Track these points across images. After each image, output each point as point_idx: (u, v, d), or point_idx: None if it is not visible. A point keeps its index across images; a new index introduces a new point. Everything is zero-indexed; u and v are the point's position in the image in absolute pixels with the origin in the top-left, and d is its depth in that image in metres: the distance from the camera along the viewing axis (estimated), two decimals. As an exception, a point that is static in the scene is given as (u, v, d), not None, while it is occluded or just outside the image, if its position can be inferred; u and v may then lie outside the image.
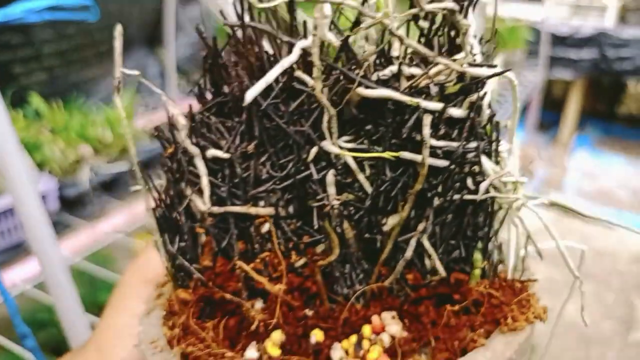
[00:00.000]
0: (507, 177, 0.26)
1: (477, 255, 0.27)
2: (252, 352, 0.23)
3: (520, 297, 0.27)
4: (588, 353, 1.88)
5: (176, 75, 2.36)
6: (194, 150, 0.26)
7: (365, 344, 0.23)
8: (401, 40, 0.23)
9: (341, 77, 0.24)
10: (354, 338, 0.24)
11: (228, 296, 0.24)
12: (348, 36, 0.23)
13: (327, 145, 0.24)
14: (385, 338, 0.23)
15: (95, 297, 1.68)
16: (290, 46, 0.25)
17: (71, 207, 1.11)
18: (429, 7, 0.23)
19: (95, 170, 1.13)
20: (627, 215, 2.81)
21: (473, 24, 0.24)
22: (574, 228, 2.71)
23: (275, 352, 0.23)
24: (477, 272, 0.27)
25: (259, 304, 0.25)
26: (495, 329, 0.25)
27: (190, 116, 0.26)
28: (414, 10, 0.23)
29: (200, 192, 0.26)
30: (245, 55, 0.26)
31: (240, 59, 0.26)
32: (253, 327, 0.24)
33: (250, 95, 0.24)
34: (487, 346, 0.24)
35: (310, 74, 0.24)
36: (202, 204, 0.26)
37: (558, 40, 3.34)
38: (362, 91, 0.23)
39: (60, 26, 1.86)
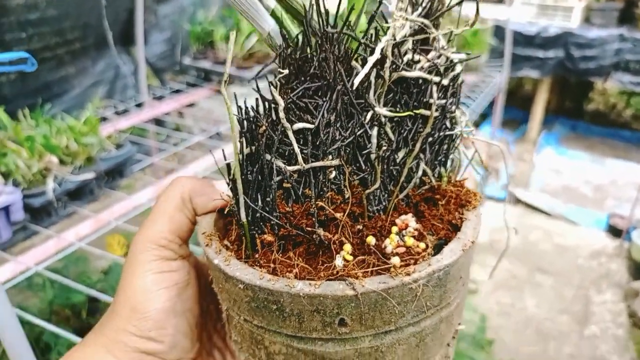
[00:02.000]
0: (465, 117, 0.40)
1: (442, 169, 0.40)
2: (339, 261, 0.33)
3: (465, 189, 0.40)
4: (545, 347, 1.97)
5: (148, 74, 2.37)
6: (287, 125, 0.34)
7: (404, 236, 0.35)
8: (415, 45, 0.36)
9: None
10: (394, 235, 0.34)
11: (308, 229, 0.34)
12: (398, 42, 0.35)
13: (379, 110, 0.35)
14: (410, 230, 0.35)
15: (68, 298, 1.70)
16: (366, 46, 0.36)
17: (37, 216, 1.13)
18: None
19: (60, 179, 1.16)
20: (589, 211, 2.92)
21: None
22: (538, 224, 2.80)
23: (349, 258, 0.33)
24: (445, 179, 0.40)
25: (321, 231, 0.34)
26: (464, 209, 0.38)
27: (287, 100, 0.35)
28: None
29: (282, 157, 0.35)
30: (330, 50, 0.35)
31: (326, 52, 0.35)
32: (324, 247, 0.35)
33: (356, 81, 0.34)
34: (468, 219, 0.37)
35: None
36: (291, 165, 0.35)
37: (525, 40, 3.42)
38: (405, 73, 0.35)
39: (33, 25, 1.86)
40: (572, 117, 4.29)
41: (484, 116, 3.36)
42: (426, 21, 0.35)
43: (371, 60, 0.34)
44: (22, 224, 1.11)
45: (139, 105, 2.00)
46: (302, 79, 0.35)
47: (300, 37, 0.36)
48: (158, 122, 1.94)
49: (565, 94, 4.40)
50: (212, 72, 2.13)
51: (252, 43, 2.07)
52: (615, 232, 2.70)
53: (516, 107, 4.15)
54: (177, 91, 2.15)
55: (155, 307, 0.38)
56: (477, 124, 3.38)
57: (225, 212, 0.40)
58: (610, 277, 2.36)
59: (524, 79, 4.21)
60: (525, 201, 2.95)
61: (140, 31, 2.20)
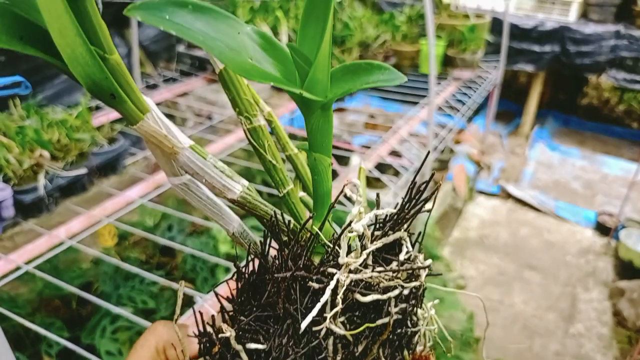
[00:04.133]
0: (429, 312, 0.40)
1: (406, 353, 0.39)
2: None
3: None
4: (531, 344, 2.00)
5: (142, 61, 2.33)
6: (238, 347, 0.35)
7: None
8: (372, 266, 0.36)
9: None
10: None
11: None
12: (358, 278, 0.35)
13: (333, 327, 0.35)
14: None
15: (57, 288, 1.69)
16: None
17: (27, 213, 1.12)
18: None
19: (51, 175, 1.14)
20: (578, 208, 2.94)
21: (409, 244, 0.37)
22: (528, 219, 2.82)
23: None
24: None
25: None
26: None
27: (238, 327, 0.36)
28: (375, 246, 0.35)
29: None
30: (281, 285, 0.35)
31: (278, 286, 0.35)
32: None
33: (304, 324, 0.34)
34: None
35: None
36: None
37: (522, 33, 3.41)
38: (360, 297, 0.35)
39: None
40: (565, 111, 4.30)
41: (478, 109, 3.36)
42: (375, 274, 0.36)
43: (319, 304, 0.34)
44: (12, 221, 1.10)
45: (131, 94, 1.97)
46: (257, 303, 0.37)
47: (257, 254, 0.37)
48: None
49: (559, 87, 4.40)
50: (206, 61, 2.11)
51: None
52: (603, 229, 2.73)
53: (510, 100, 4.15)
54: (171, 80, 2.12)
55: None
56: (470, 118, 3.38)
57: None
58: (597, 275, 2.39)
59: (519, 71, 4.21)
60: (516, 196, 2.96)
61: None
